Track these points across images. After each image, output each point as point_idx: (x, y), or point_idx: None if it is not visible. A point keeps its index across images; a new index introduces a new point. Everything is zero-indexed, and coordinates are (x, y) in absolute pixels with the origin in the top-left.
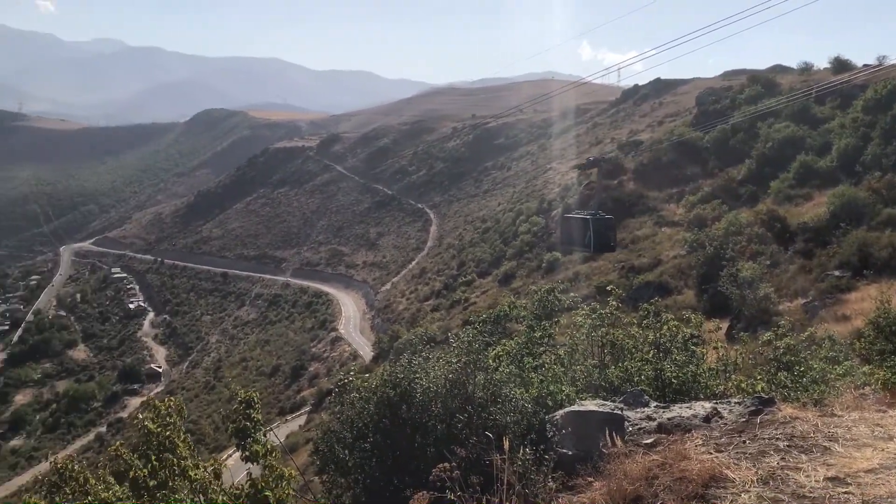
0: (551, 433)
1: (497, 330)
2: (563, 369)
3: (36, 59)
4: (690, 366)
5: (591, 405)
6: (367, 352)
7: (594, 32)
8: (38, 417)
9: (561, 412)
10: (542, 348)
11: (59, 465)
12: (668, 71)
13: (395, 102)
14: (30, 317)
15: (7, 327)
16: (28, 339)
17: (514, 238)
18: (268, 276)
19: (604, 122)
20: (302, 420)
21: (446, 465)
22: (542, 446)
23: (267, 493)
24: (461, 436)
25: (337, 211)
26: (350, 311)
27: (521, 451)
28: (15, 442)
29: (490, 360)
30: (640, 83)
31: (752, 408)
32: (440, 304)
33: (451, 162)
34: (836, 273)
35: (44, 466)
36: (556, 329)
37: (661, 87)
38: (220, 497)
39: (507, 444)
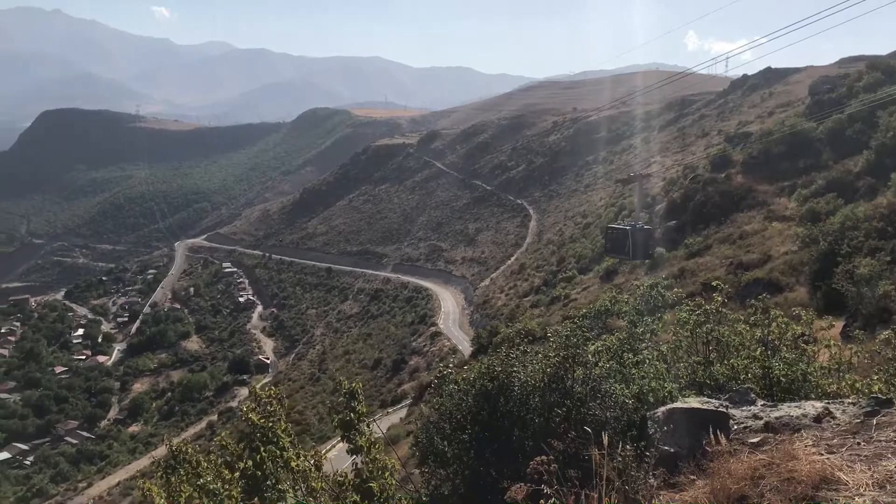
0: (652, 430)
1: (597, 325)
2: (665, 366)
3: (152, 63)
4: (800, 364)
5: (694, 402)
6: (465, 347)
7: (701, 21)
8: (154, 405)
9: (663, 409)
10: (644, 344)
11: (174, 448)
12: (779, 59)
13: (494, 98)
14: (147, 309)
15: (126, 319)
16: (145, 331)
17: None
18: (369, 272)
19: (710, 113)
20: (402, 413)
21: (544, 458)
22: (642, 443)
23: (371, 484)
24: (559, 430)
25: (436, 207)
26: (449, 307)
27: (621, 447)
28: (133, 428)
29: (590, 356)
30: (750, 73)
31: (868, 409)
32: (539, 300)
33: (552, 156)
34: None
35: (160, 451)
36: (659, 325)
37: (771, 77)
38: (321, 485)
39: (606, 440)
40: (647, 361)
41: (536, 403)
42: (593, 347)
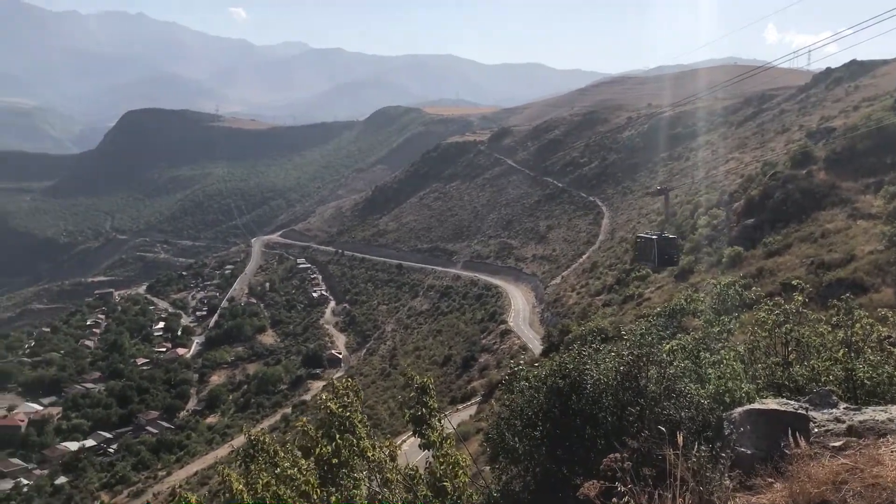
0: (728, 431)
1: (672, 324)
2: (742, 366)
3: (230, 64)
4: (886, 367)
5: (772, 404)
6: (536, 345)
7: (781, 13)
8: (230, 397)
9: (740, 410)
10: (720, 344)
11: (252, 438)
12: (865, 52)
13: (566, 94)
14: (224, 303)
15: (205, 313)
16: (223, 324)
17: (692, 232)
18: (440, 268)
19: (791, 108)
20: (472, 410)
21: (617, 455)
22: (718, 444)
23: (445, 484)
24: (632, 429)
25: (507, 204)
26: (519, 304)
27: (696, 447)
28: (211, 419)
29: (664, 354)
30: (833, 66)
31: None
32: (612, 299)
33: (625, 153)
34: None
35: (238, 440)
36: (737, 325)
37: (857, 70)
38: (395, 476)
39: (680, 440)
40: (724, 361)
41: (609, 402)
42: (668, 346)
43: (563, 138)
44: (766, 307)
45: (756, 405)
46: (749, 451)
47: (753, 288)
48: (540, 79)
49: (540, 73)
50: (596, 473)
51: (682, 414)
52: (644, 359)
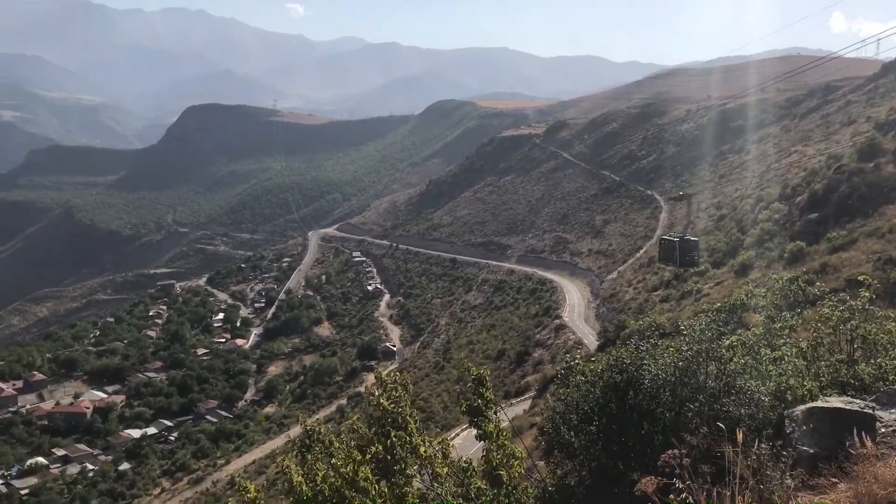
0: (790, 429)
1: (732, 319)
2: (805, 363)
3: (288, 59)
4: None
5: (836, 402)
6: (591, 340)
7: (848, 1)
8: (287, 388)
9: (802, 408)
10: (782, 340)
11: (308, 428)
12: None
13: (623, 86)
14: (282, 295)
15: (263, 304)
16: (280, 316)
17: (753, 226)
18: (493, 263)
19: (858, 99)
20: (526, 405)
21: (675, 451)
22: (779, 442)
23: (500, 472)
24: (690, 425)
25: (562, 198)
26: (574, 299)
27: (756, 444)
28: (268, 409)
29: (723, 351)
30: None
31: None
32: (670, 294)
33: (684, 146)
34: None
35: (295, 431)
36: (799, 321)
37: None
38: (445, 471)
39: (740, 437)
40: (786, 358)
41: (667, 397)
42: (728, 342)
43: (621, 131)
44: (831, 303)
45: (819, 403)
46: (811, 450)
47: (817, 284)
48: (596, 71)
49: (596, 66)
50: (653, 469)
51: (742, 411)
52: (703, 354)
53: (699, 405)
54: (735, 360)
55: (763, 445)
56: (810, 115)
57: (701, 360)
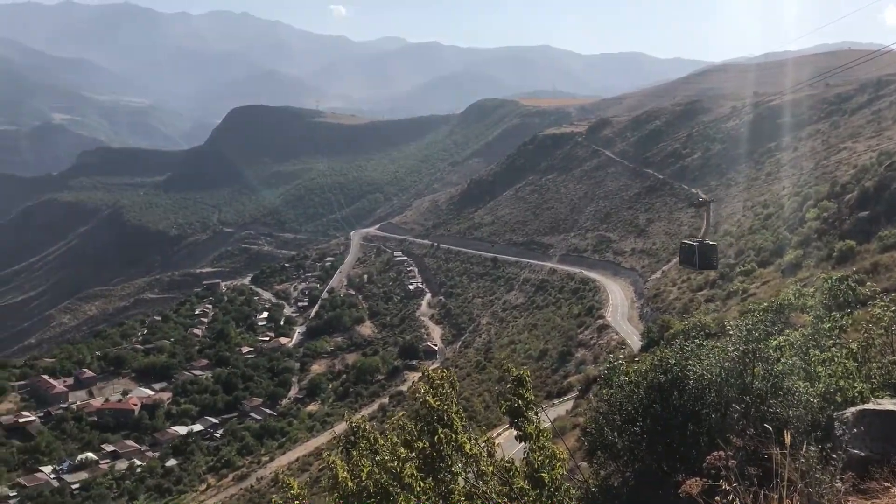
0: (840, 431)
1: (779, 319)
2: (856, 364)
3: (331, 60)
4: None
5: (889, 404)
6: (635, 341)
7: None
8: (330, 386)
9: (852, 410)
10: (831, 341)
11: (353, 424)
12: None
13: (667, 83)
14: (325, 294)
15: (306, 303)
16: (323, 315)
17: (801, 225)
18: (535, 262)
19: None
20: (568, 405)
21: (721, 453)
22: (828, 444)
23: (542, 474)
24: (737, 426)
25: (605, 197)
26: (617, 299)
27: (805, 447)
28: (311, 407)
29: (771, 351)
30: None
31: None
32: (715, 294)
33: (730, 143)
34: None
35: (339, 428)
36: (849, 321)
37: None
38: (490, 469)
39: (787, 439)
40: (835, 359)
41: (713, 398)
42: (775, 342)
43: (665, 129)
44: (883, 303)
45: (871, 405)
46: (862, 453)
47: (868, 283)
48: (640, 68)
49: (640, 63)
50: (698, 471)
51: (790, 412)
52: (750, 355)
53: (745, 406)
54: (783, 360)
55: (812, 448)
56: (861, 110)
57: (747, 360)
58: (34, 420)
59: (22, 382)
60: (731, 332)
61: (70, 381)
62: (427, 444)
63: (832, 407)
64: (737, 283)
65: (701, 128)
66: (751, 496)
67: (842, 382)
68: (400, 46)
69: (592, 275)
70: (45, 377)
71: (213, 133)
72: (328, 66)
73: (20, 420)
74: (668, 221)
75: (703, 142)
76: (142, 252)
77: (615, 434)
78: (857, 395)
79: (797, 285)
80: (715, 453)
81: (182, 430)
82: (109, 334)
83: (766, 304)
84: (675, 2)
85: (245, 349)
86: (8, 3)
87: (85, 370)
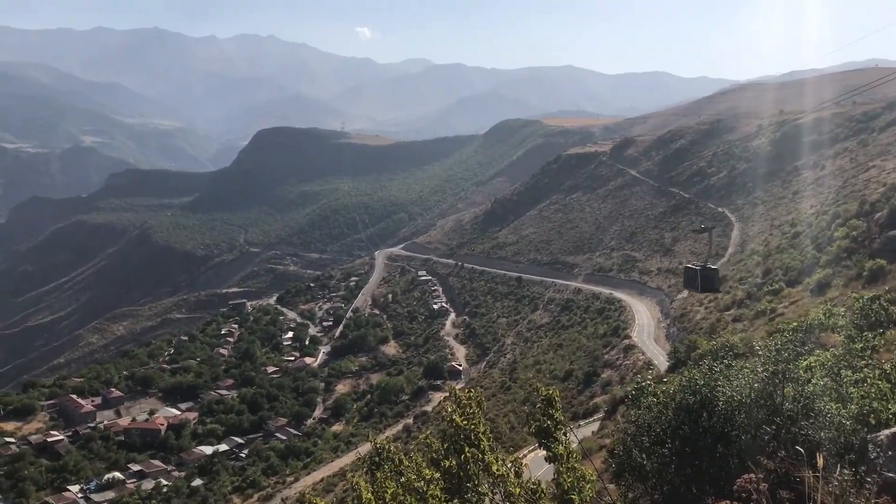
0: (874, 454)
1: (809, 339)
2: (889, 385)
3: (356, 82)
4: None
5: None
6: (661, 361)
7: None
8: (354, 406)
9: (887, 432)
10: (863, 361)
11: (377, 445)
12: None
13: (692, 102)
14: (349, 314)
15: (331, 323)
16: (348, 335)
17: (829, 244)
18: (560, 281)
19: None
20: (594, 427)
21: (752, 476)
22: (862, 468)
23: (573, 496)
24: (767, 448)
25: (630, 216)
26: (644, 319)
27: (838, 470)
28: (336, 427)
29: (801, 372)
30: None
31: None
32: (742, 314)
33: (756, 161)
34: None
35: (363, 448)
36: (881, 342)
37: None
38: (518, 490)
39: (820, 462)
40: (868, 380)
41: (742, 420)
42: (805, 363)
43: (690, 147)
44: None
45: None
46: None
47: None
48: (664, 87)
49: (664, 82)
50: (728, 494)
51: (822, 434)
52: (780, 375)
53: (776, 428)
54: (813, 381)
55: (845, 471)
56: (890, 128)
57: (777, 381)
58: (62, 439)
59: (51, 402)
60: (759, 353)
61: (98, 400)
62: (454, 463)
63: (865, 429)
64: (764, 302)
65: (727, 146)
66: None
67: (875, 404)
68: (424, 68)
69: (618, 294)
70: (74, 397)
71: (240, 155)
72: (353, 87)
73: (49, 439)
74: (694, 240)
75: (728, 160)
76: (169, 272)
77: (643, 456)
78: (891, 416)
79: (827, 305)
80: (746, 476)
81: (208, 449)
82: (137, 354)
83: (795, 323)
84: (700, 21)
85: (270, 369)
86: (41, 28)
87: (112, 390)
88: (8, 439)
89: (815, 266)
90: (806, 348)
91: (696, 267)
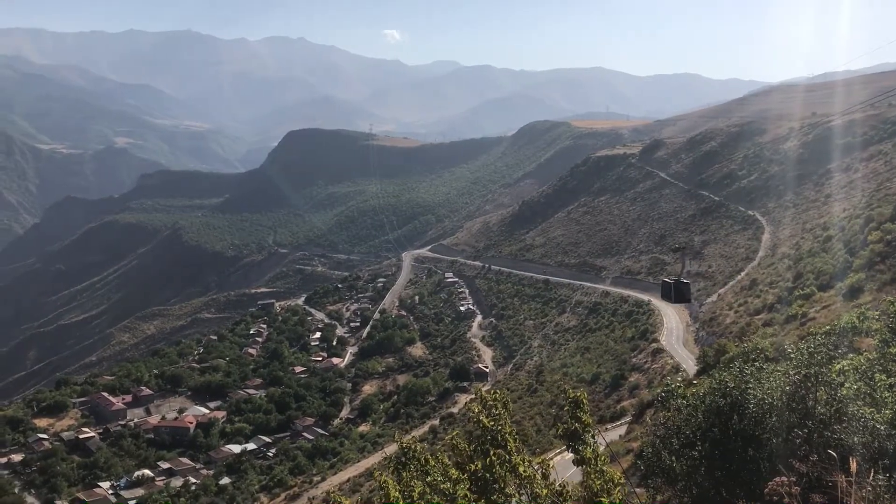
0: None
1: (842, 343)
2: None
3: (384, 84)
4: None
5: None
6: (690, 365)
7: None
8: (381, 407)
9: None
10: None
11: (404, 445)
12: None
13: (723, 104)
14: (377, 315)
15: (358, 324)
16: (375, 336)
17: (863, 247)
18: (588, 284)
19: None
20: (622, 430)
21: (784, 479)
22: None
23: (602, 499)
24: (799, 452)
25: (659, 218)
26: (672, 323)
27: (872, 475)
28: (362, 427)
29: (834, 375)
30: None
31: None
32: (773, 318)
33: (788, 165)
34: None
35: (390, 449)
36: None
37: None
38: (545, 492)
39: (854, 466)
40: None
41: (773, 423)
42: (838, 367)
43: (720, 150)
44: None
45: None
46: None
47: None
48: (694, 89)
49: (694, 84)
50: (759, 497)
51: (856, 439)
52: (812, 379)
53: (808, 432)
54: (847, 385)
55: (879, 476)
56: None
57: (809, 384)
58: (93, 436)
59: (82, 399)
60: (791, 356)
61: (128, 398)
62: (480, 464)
63: None
64: (795, 306)
65: (758, 149)
66: None
67: None
68: (453, 70)
69: (647, 297)
70: (105, 394)
71: (270, 156)
72: (382, 89)
73: (80, 436)
74: (724, 244)
75: (759, 163)
76: (199, 272)
77: (673, 458)
78: None
79: (860, 309)
80: (777, 479)
81: (236, 448)
82: (167, 353)
83: (827, 327)
84: (731, 22)
85: (298, 369)
86: (75, 31)
87: (143, 388)
88: (41, 435)
89: (848, 270)
90: (839, 352)
91: (671, 281)
